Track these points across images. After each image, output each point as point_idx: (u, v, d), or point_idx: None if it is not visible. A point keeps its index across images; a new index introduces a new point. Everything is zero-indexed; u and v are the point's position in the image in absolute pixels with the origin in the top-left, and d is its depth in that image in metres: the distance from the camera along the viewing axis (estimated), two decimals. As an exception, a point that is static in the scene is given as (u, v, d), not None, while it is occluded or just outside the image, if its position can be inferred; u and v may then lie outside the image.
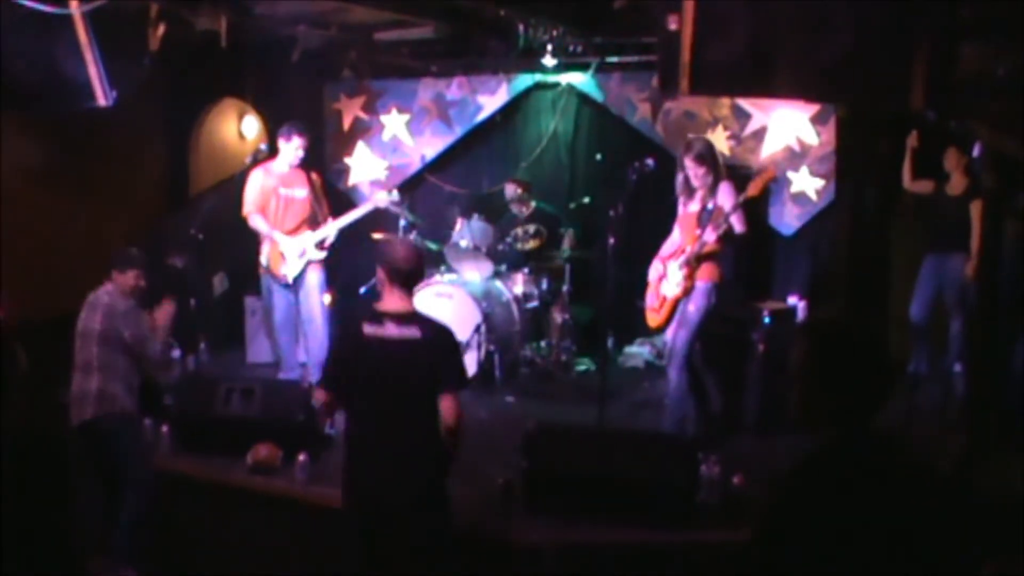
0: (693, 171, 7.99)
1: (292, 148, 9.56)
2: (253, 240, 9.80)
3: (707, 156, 8.02)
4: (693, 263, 7.92)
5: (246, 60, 11.03)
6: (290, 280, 9.58)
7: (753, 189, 7.78)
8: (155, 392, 8.58)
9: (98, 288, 7.43)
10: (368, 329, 5.57)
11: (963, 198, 9.50)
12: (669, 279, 8.08)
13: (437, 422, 5.49)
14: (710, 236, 7.80)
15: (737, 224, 7.84)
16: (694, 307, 7.97)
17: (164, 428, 8.13)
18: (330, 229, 9.68)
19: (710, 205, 7.90)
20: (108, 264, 7.43)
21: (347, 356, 5.70)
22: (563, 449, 7.01)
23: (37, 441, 7.08)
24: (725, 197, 7.85)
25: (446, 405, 5.47)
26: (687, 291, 7.97)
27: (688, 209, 8.13)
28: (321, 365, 5.89)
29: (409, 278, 5.68)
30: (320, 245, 9.64)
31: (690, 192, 8.11)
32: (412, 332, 5.53)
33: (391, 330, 5.53)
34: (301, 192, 9.70)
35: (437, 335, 5.64)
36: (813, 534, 3.10)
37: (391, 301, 5.64)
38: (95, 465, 7.27)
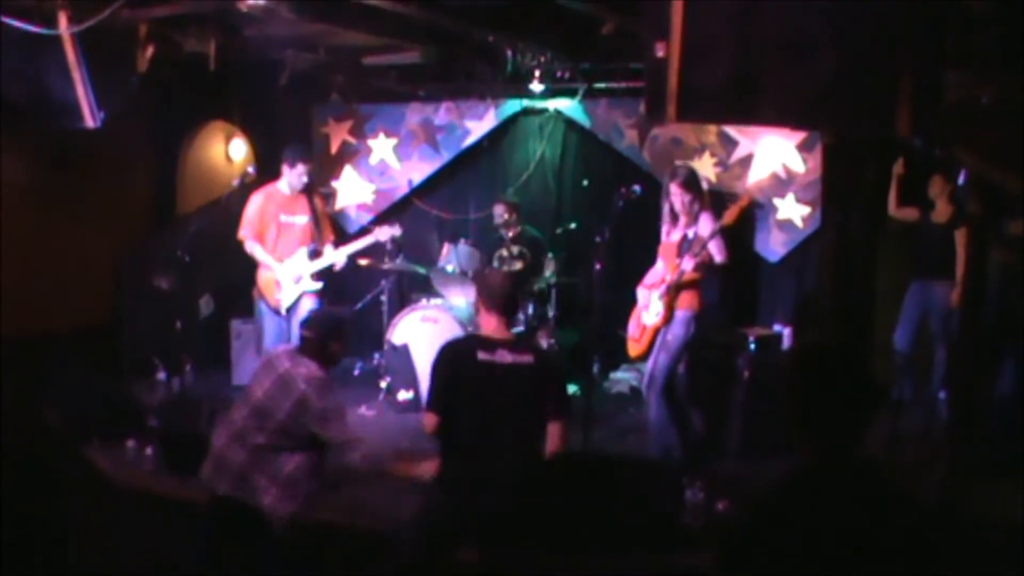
0: (679, 198, 8.02)
1: (296, 175, 9.59)
2: (239, 262, 9.80)
3: (692, 183, 8.06)
4: (672, 292, 7.94)
5: (234, 82, 11.04)
6: (283, 309, 9.56)
7: (728, 217, 7.81)
8: (138, 413, 8.58)
9: (295, 359, 6.20)
10: (482, 356, 5.75)
11: (948, 225, 9.55)
12: (650, 308, 8.10)
13: (540, 444, 5.75)
14: (688, 265, 7.82)
15: (716, 254, 7.87)
16: (672, 336, 7.98)
17: (148, 449, 8.12)
18: (327, 260, 9.68)
19: (691, 234, 7.93)
20: (315, 333, 6.25)
21: (457, 381, 5.81)
22: (549, 472, 7.01)
23: (23, 459, 6.82)
24: (705, 226, 7.89)
25: (555, 431, 5.72)
26: (666, 320, 7.99)
27: (670, 238, 8.15)
28: (428, 390, 6.03)
29: (505, 306, 5.91)
30: (317, 276, 9.63)
31: (674, 220, 8.14)
32: (526, 359, 5.75)
33: (505, 356, 5.74)
34: (302, 219, 9.71)
35: (549, 362, 5.93)
36: (778, 559, 3.11)
37: (494, 328, 5.89)
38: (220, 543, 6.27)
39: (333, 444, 6.12)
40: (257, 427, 6.07)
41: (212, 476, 6.19)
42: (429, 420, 5.84)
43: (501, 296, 5.87)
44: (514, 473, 5.65)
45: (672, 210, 8.13)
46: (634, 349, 8.32)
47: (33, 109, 8.12)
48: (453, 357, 5.92)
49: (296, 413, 6.02)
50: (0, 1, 7.31)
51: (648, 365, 8.27)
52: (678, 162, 10.12)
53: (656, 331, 8.07)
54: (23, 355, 7.94)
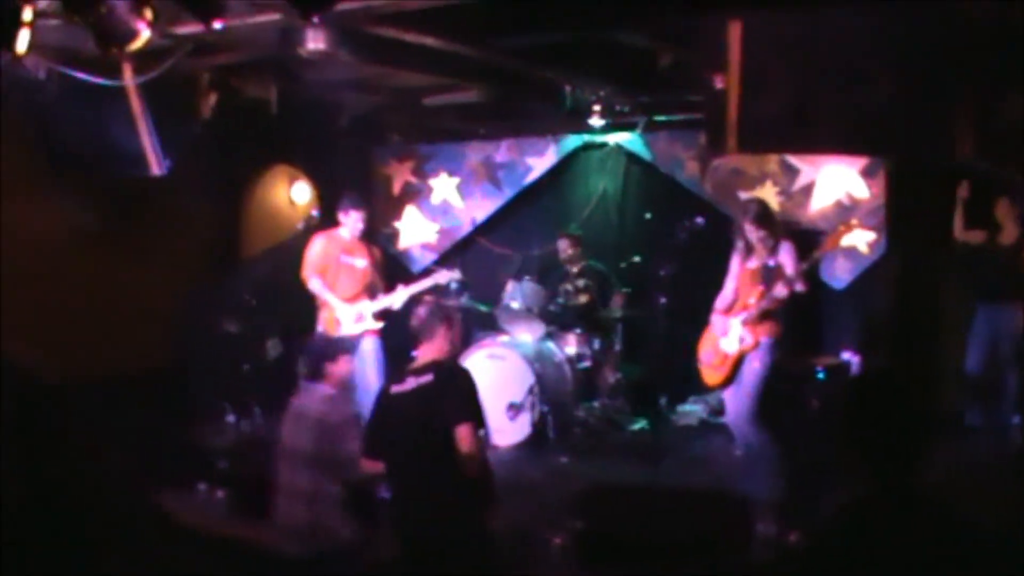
0: (753, 233, 7.96)
1: (352, 222, 9.72)
2: (306, 305, 9.87)
3: (764, 218, 8.01)
4: (757, 320, 7.88)
5: (296, 126, 11.15)
6: (344, 349, 9.66)
7: (831, 244, 7.86)
8: (208, 456, 8.64)
9: (301, 390, 6.64)
10: (394, 389, 5.96)
11: (1016, 247, 9.41)
12: (729, 335, 8.02)
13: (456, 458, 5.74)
14: (782, 292, 7.73)
15: (799, 283, 7.81)
16: (760, 364, 7.90)
17: (219, 493, 8.17)
18: (389, 301, 9.75)
19: (771, 262, 7.87)
20: (309, 358, 6.73)
21: (379, 420, 6.04)
22: (617, 509, 6.99)
23: (92, 505, 6.79)
24: (787, 255, 7.83)
25: (460, 435, 5.71)
26: (751, 348, 7.92)
27: (747, 265, 8.08)
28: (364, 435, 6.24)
29: (418, 333, 6.10)
30: (378, 315, 9.71)
31: (748, 253, 8.08)
32: (426, 378, 5.85)
33: (410, 383, 5.88)
34: (361, 262, 9.82)
35: (449, 376, 5.95)
36: None
37: (418, 356, 6.08)
38: None
39: (345, 460, 6.25)
40: (297, 473, 6.27)
41: (285, 542, 6.35)
42: (366, 466, 6.07)
43: (414, 325, 6.10)
44: (437, 495, 5.75)
45: (747, 245, 8.08)
46: (712, 377, 8.24)
47: (99, 159, 8.25)
48: (377, 400, 6.20)
49: (319, 438, 6.23)
50: (67, 54, 7.44)
51: (729, 394, 8.20)
52: (743, 196, 10.12)
53: (738, 359, 8.00)
54: (91, 400, 7.99)
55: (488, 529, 5.93)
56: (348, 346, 6.95)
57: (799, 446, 8.51)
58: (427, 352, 6.04)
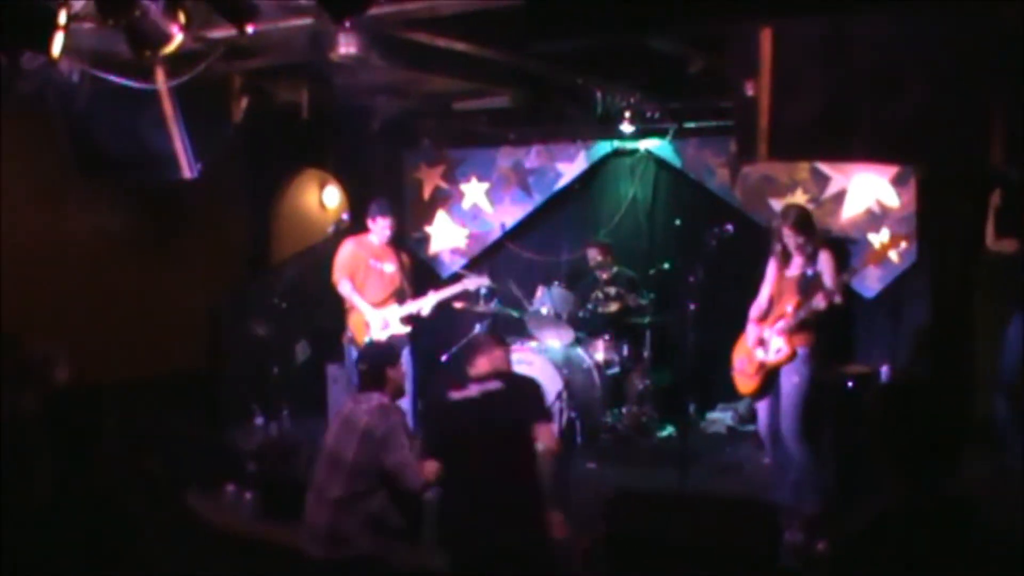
0: (792, 240, 7.88)
1: (379, 228, 9.73)
2: (335, 308, 9.89)
3: (803, 224, 7.93)
4: (794, 329, 7.82)
5: (327, 130, 11.18)
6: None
7: (873, 259, 7.78)
8: (237, 458, 8.67)
9: (352, 398, 6.50)
10: (454, 395, 6.12)
11: (1050, 256, 9.34)
12: (767, 345, 7.96)
13: (531, 462, 5.98)
14: (820, 304, 7.66)
15: (838, 295, 7.75)
16: (799, 377, 7.81)
17: (247, 494, 8.20)
18: (418, 306, 9.77)
19: (809, 271, 7.81)
20: (368, 364, 6.51)
21: (440, 424, 6.21)
22: (645, 515, 6.97)
23: (123, 506, 6.79)
24: (826, 265, 7.77)
25: (544, 433, 5.98)
26: (788, 358, 7.85)
27: (785, 274, 8.01)
28: (421, 440, 6.29)
29: (477, 349, 6.44)
30: (406, 319, 9.72)
31: (785, 260, 8.01)
32: (493, 385, 6.06)
33: (474, 389, 6.06)
34: (390, 267, 9.83)
35: (519, 383, 6.24)
36: None
37: (475, 368, 6.25)
38: None
39: (394, 471, 6.14)
40: (333, 479, 6.17)
41: (307, 543, 6.28)
42: (428, 468, 6.11)
43: (474, 344, 6.57)
44: (512, 500, 5.90)
45: (784, 251, 8.01)
46: (746, 385, 8.18)
47: (131, 162, 8.29)
48: (432, 404, 6.60)
49: (363, 448, 6.12)
50: (100, 57, 7.48)
51: (765, 405, 8.13)
52: (774, 203, 10.10)
53: (773, 369, 7.94)
54: (122, 401, 8.05)
55: (547, 533, 6.08)
56: (401, 350, 6.94)
57: (829, 455, 8.48)
58: (485, 364, 6.28)
